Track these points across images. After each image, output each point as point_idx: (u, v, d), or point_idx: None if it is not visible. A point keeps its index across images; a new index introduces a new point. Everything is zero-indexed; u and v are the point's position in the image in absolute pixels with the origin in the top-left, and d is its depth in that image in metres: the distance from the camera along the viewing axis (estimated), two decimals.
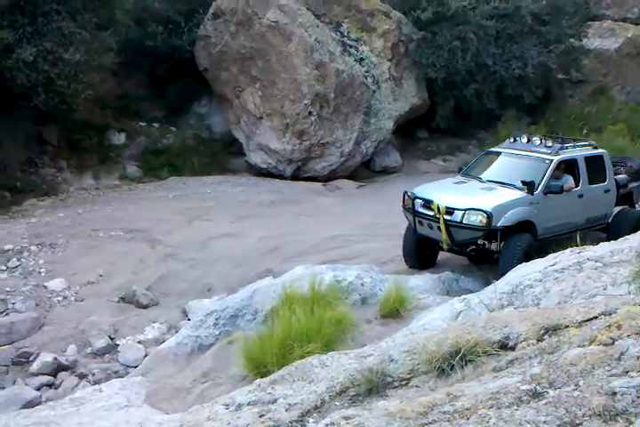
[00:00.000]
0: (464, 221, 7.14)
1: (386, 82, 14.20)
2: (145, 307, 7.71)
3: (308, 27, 13.15)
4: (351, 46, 14.06)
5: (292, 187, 12.85)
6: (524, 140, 8.21)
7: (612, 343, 2.54)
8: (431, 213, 7.40)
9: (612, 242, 4.85)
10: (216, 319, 5.71)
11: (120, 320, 7.26)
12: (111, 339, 6.87)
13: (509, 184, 7.62)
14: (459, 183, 8.03)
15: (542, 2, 14.65)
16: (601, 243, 5.05)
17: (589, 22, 16.94)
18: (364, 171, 14.45)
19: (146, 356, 6.16)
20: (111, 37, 12.25)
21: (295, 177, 13.51)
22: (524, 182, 7.43)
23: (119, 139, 13.73)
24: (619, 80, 17.53)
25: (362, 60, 14.00)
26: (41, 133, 12.70)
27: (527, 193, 7.37)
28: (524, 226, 7.35)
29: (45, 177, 12.20)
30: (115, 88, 14.23)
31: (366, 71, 13.88)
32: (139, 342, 6.77)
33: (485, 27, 14.09)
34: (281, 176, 13.50)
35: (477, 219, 7.08)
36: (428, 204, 7.48)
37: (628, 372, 2.28)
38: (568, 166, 8.08)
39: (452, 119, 15.23)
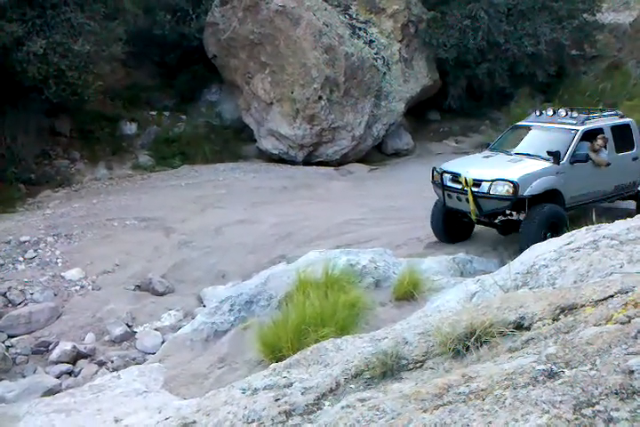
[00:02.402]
0: (491, 192, 7.28)
1: (396, 64, 14.02)
2: (161, 294, 7.77)
3: (316, 10, 12.99)
4: (360, 29, 13.89)
5: (304, 172, 12.81)
6: (550, 112, 8.35)
7: (629, 322, 2.50)
8: (459, 187, 7.54)
9: (629, 219, 4.77)
10: (231, 306, 5.73)
11: (137, 308, 7.32)
12: (128, 326, 6.94)
13: (536, 156, 7.73)
14: (486, 157, 8.19)
15: None
16: (617, 220, 4.97)
17: None
18: (376, 154, 14.37)
19: (163, 342, 6.21)
20: (120, 27, 12.24)
21: (307, 162, 13.46)
22: (549, 153, 7.54)
23: (130, 129, 13.77)
24: (634, 54, 17.14)
25: (371, 42, 13.83)
26: (53, 125, 12.78)
27: (553, 163, 7.47)
28: (552, 195, 7.44)
29: (59, 169, 12.29)
30: (125, 78, 14.24)
31: (376, 53, 13.72)
32: (155, 329, 6.83)
33: (496, 4, 13.84)
34: (293, 162, 13.46)
35: (504, 189, 7.21)
36: (456, 177, 7.64)
37: None
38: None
39: (464, 99, 15.07)
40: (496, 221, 7.86)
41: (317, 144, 13.37)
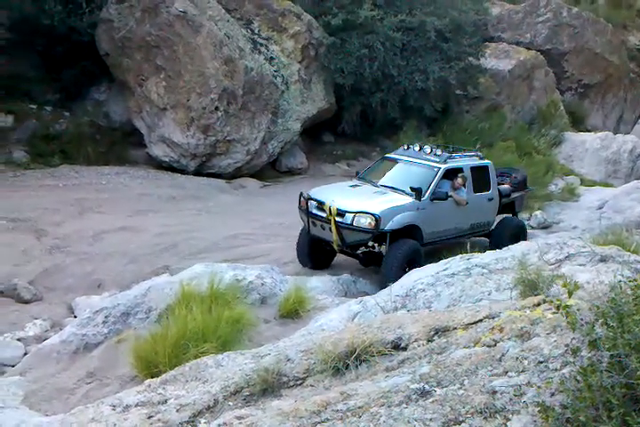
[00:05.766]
0: (354, 224, 7.37)
1: (295, 83, 14.27)
2: (27, 302, 7.20)
3: (218, 20, 12.93)
4: (261, 44, 14.00)
5: (195, 182, 12.56)
6: (417, 148, 8.64)
7: (495, 345, 2.72)
8: (324, 215, 7.58)
9: (497, 251, 5.21)
10: (105, 317, 5.46)
11: None
12: None
13: (400, 189, 7.96)
14: (353, 187, 8.31)
15: (446, 19, 15.39)
16: (487, 251, 5.40)
17: (487, 43, 18.07)
18: (270, 171, 14.43)
19: (25, 354, 5.75)
20: (3, 11, 11.35)
21: (198, 173, 13.21)
22: (412, 188, 7.78)
23: (6, 121, 12.73)
24: (510, 99, 18.83)
25: (272, 59, 13.99)
26: None
27: (415, 199, 7.72)
28: (411, 231, 7.68)
29: None
30: (4, 67, 13.17)
31: (276, 71, 13.88)
32: (18, 340, 6.29)
33: (392, 38, 14.57)
34: (183, 171, 13.14)
35: (366, 221, 7.33)
36: (321, 205, 7.67)
37: (507, 372, 2.45)
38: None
39: (358, 125, 15.62)
40: (358, 252, 7.97)
41: (211, 155, 13.19)
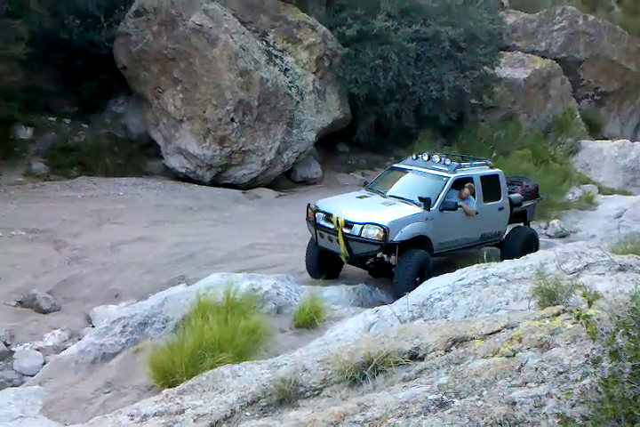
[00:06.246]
0: (362, 235, 7.25)
1: (309, 94, 14.36)
2: (45, 312, 7.27)
3: (234, 33, 13.08)
4: (276, 56, 14.12)
5: (211, 193, 12.64)
6: (425, 157, 8.49)
7: (514, 355, 2.69)
8: (332, 227, 7.47)
9: (515, 260, 5.16)
10: (123, 327, 5.50)
11: (17, 326, 6.78)
12: (6, 345, 6.40)
13: (409, 200, 7.82)
14: (361, 197, 8.19)
15: (460, 29, 15.42)
16: (504, 260, 5.36)
17: (502, 52, 18.05)
18: (285, 181, 14.48)
19: (44, 364, 5.80)
20: (23, 27, 11.60)
21: (214, 183, 13.30)
22: (421, 198, 7.64)
23: (25, 133, 12.96)
24: (525, 108, 18.75)
25: (287, 70, 14.10)
26: None
27: (424, 209, 7.59)
28: (421, 241, 7.55)
29: None
30: (23, 80, 13.42)
31: (290, 82, 13.98)
32: (37, 350, 6.36)
33: (406, 48, 14.62)
34: (199, 182, 13.25)
35: (374, 233, 7.20)
36: (329, 217, 7.56)
37: (527, 383, 2.42)
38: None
39: (372, 135, 15.65)
40: (367, 263, 7.87)
41: (226, 166, 13.29)
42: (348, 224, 7.33)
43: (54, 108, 13.83)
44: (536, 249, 7.56)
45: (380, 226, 7.18)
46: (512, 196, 9.09)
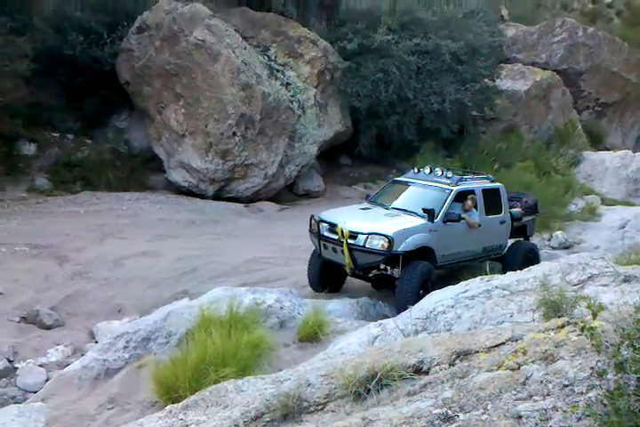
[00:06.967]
0: (367, 246, 7.27)
1: (311, 108, 14.45)
2: (49, 328, 7.24)
3: (236, 48, 13.20)
4: (278, 71, 14.24)
5: (214, 207, 12.66)
6: (427, 171, 8.58)
7: (518, 368, 2.67)
8: (336, 237, 7.49)
9: (518, 272, 5.14)
10: (126, 342, 5.48)
11: (20, 342, 6.76)
12: (9, 361, 6.37)
13: (412, 212, 7.87)
14: (364, 209, 8.25)
15: (460, 42, 15.53)
16: (508, 272, 5.33)
17: (502, 64, 18.15)
18: (287, 194, 14.51)
19: (47, 380, 5.77)
20: (27, 44, 11.73)
21: (217, 197, 13.34)
22: (424, 210, 7.67)
23: (29, 149, 13.03)
24: (527, 120, 18.80)
25: (288, 84, 14.20)
26: None
27: (428, 220, 7.63)
28: (424, 253, 7.57)
29: None
30: (27, 96, 13.54)
31: (292, 96, 14.08)
32: (40, 366, 6.33)
33: (407, 61, 14.73)
34: (202, 196, 13.28)
35: (379, 243, 7.21)
36: (333, 227, 7.59)
37: (532, 396, 2.40)
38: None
39: (374, 148, 15.71)
40: (370, 275, 7.85)
41: (229, 180, 13.34)
42: (353, 235, 7.36)
43: (57, 124, 13.93)
44: (537, 263, 7.55)
45: (385, 236, 7.21)
46: (513, 210, 9.16)
